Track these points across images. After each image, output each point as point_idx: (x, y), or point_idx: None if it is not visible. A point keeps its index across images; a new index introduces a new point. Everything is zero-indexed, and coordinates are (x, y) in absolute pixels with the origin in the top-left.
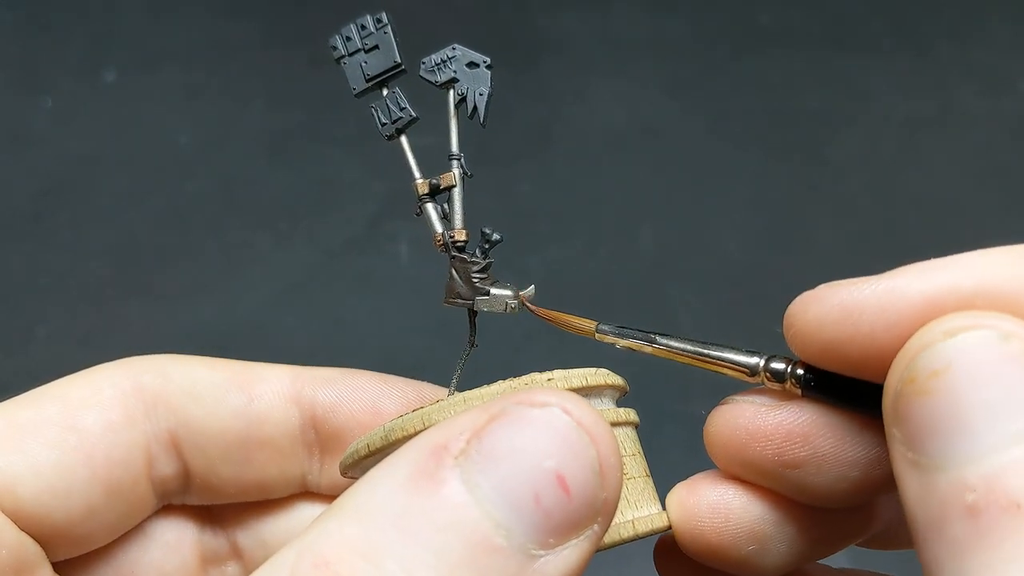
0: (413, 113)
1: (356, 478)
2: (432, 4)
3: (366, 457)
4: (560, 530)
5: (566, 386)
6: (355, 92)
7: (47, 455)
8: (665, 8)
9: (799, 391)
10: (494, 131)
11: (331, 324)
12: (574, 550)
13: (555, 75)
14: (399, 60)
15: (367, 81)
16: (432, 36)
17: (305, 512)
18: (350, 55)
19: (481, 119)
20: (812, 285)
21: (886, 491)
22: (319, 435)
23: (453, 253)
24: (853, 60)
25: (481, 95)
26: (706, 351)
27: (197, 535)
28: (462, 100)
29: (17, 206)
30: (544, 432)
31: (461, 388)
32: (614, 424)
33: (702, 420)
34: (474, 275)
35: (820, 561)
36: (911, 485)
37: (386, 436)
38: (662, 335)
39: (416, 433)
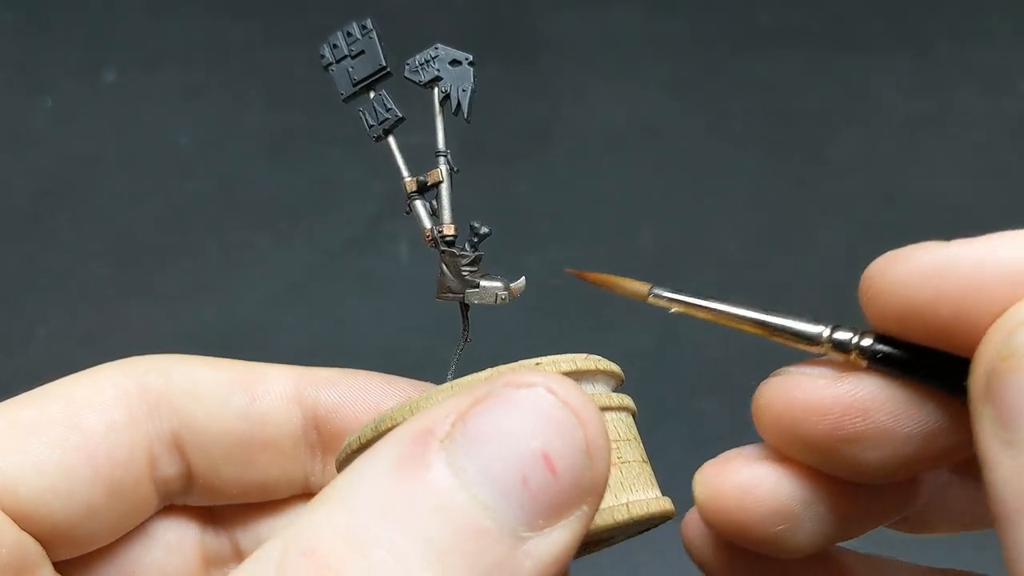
0: (399, 113)
1: None
2: (432, 4)
3: (358, 451)
4: (548, 511)
5: (555, 370)
6: (343, 97)
7: (49, 454)
8: (665, 8)
9: (864, 362)
10: (493, 131)
11: (331, 324)
12: (563, 531)
13: (554, 74)
14: (384, 63)
15: (354, 85)
16: (432, 36)
17: None
18: (337, 62)
19: (465, 115)
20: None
21: (935, 466)
22: (321, 436)
23: (443, 248)
24: (853, 60)
25: (464, 91)
26: (767, 318)
27: (199, 536)
28: (446, 97)
29: (17, 206)
30: (529, 412)
31: None
32: (605, 408)
33: (703, 416)
34: (464, 268)
35: (846, 545)
36: (1001, 464)
37: (376, 427)
38: (721, 301)
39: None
